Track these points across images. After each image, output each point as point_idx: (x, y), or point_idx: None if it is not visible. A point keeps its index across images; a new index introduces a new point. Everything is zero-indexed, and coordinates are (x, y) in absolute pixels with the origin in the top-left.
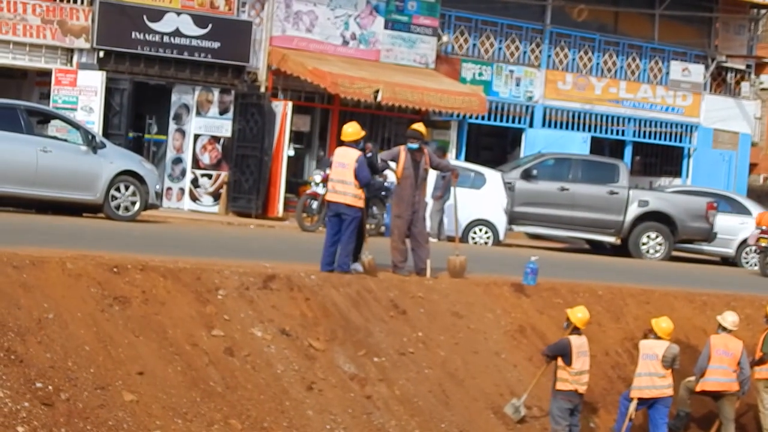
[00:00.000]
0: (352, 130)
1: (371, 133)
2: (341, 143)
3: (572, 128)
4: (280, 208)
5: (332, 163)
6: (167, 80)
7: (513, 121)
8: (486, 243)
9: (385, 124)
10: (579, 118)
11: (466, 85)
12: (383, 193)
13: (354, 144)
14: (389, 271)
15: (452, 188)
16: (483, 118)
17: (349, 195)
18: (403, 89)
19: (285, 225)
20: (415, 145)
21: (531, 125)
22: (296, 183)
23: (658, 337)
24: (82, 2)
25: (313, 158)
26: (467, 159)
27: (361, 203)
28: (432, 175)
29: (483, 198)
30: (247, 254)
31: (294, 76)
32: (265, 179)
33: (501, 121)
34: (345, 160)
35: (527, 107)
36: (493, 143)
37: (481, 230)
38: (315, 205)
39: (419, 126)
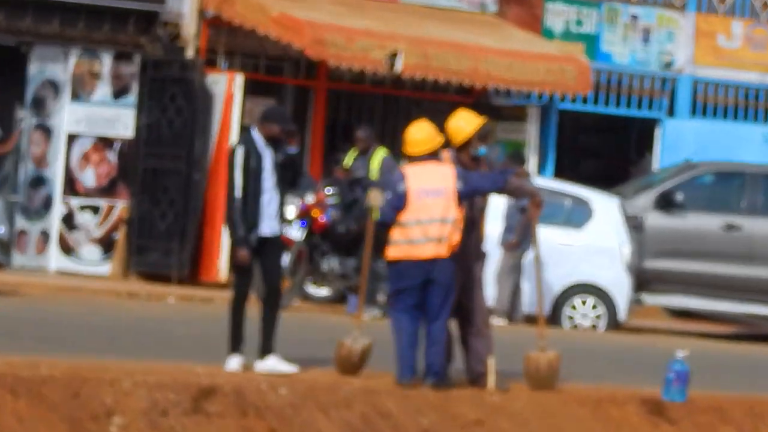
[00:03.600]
0: (423, 135)
1: (383, 126)
2: (409, 158)
3: (744, 117)
4: (222, 267)
5: (409, 193)
6: (20, 40)
7: (639, 106)
8: (594, 326)
9: (408, 112)
10: (756, 98)
11: (554, 42)
12: None
13: (433, 156)
14: (420, 379)
15: (534, 228)
16: (585, 100)
17: (449, 240)
18: (442, 51)
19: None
20: (483, 150)
21: (671, 113)
22: None
23: None
24: None
25: None
26: (558, 174)
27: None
28: (498, 205)
29: (588, 244)
30: (163, 350)
31: (246, 31)
32: (196, 213)
33: (617, 105)
34: (436, 182)
35: (664, 81)
36: (602, 146)
37: (585, 303)
38: (287, 259)
39: (470, 117)
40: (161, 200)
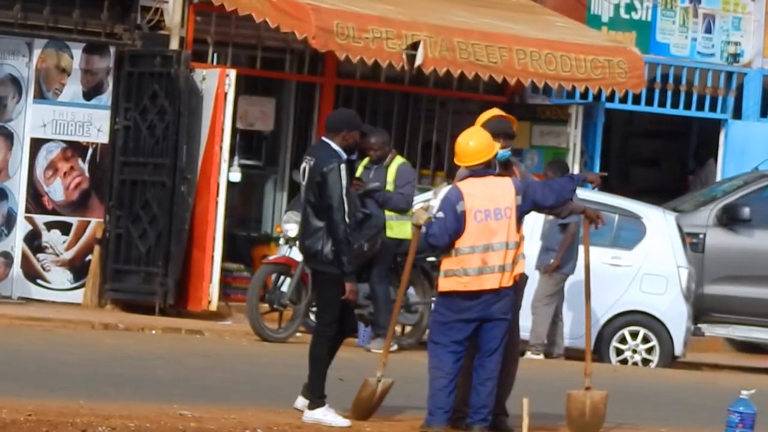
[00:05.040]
0: (477, 143)
1: (401, 130)
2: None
3: None
4: (213, 295)
5: (466, 216)
6: None
7: (700, 106)
8: (648, 362)
9: (431, 113)
10: None
11: (602, 32)
12: (433, 258)
13: (488, 168)
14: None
15: (577, 248)
16: (637, 99)
17: (513, 267)
18: (470, 42)
19: (223, 328)
20: (507, 152)
21: (738, 114)
22: (247, 240)
23: None
24: None
25: (284, 188)
26: (605, 185)
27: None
28: (535, 221)
29: (639, 267)
30: (144, 391)
31: (240, 18)
32: (182, 232)
33: (674, 105)
34: (497, 201)
35: (729, 77)
36: (657, 152)
37: (635, 335)
38: (287, 285)
39: (497, 115)
40: (141, 217)
